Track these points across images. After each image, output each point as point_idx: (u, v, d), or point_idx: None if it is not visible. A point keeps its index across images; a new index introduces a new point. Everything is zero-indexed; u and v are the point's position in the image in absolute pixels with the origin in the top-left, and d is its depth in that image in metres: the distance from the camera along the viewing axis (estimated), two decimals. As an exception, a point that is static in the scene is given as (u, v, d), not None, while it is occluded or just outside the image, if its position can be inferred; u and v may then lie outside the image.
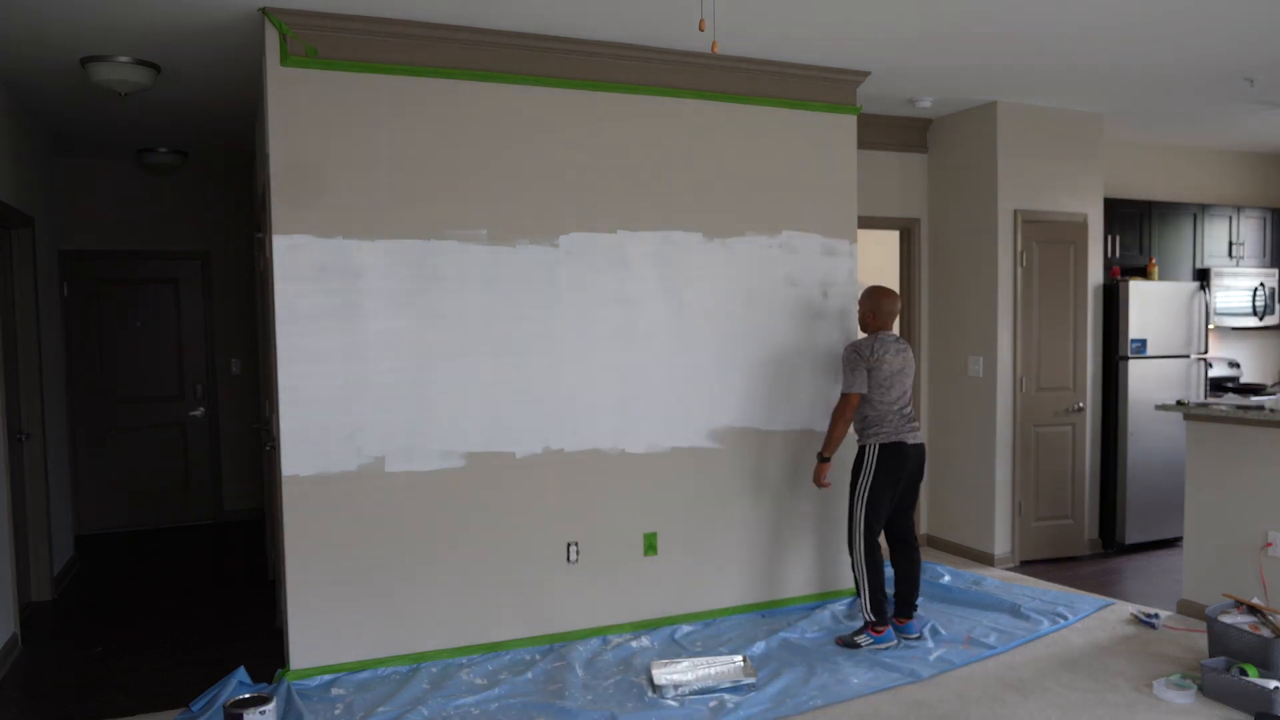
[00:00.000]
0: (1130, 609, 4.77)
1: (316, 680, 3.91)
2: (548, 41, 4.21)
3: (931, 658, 4.11)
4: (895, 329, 4.68)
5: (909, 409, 4.34)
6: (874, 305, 4.43)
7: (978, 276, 5.79)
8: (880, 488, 4.26)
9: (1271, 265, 7.17)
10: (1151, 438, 6.00)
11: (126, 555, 6.44)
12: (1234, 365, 7.21)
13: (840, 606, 4.84)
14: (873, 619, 4.25)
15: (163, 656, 4.37)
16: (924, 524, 6.27)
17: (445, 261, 4.14)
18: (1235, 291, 6.90)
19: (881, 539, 4.36)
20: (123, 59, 4.34)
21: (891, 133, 6.02)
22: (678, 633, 4.49)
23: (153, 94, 4.92)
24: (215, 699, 3.66)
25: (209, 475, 7.37)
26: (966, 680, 3.89)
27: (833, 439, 4.37)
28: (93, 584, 5.74)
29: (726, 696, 3.69)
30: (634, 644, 4.32)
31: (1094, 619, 4.63)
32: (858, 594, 4.32)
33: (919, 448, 4.35)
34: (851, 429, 4.46)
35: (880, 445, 4.26)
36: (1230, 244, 6.97)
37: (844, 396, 4.34)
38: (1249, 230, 7.07)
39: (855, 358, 4.32)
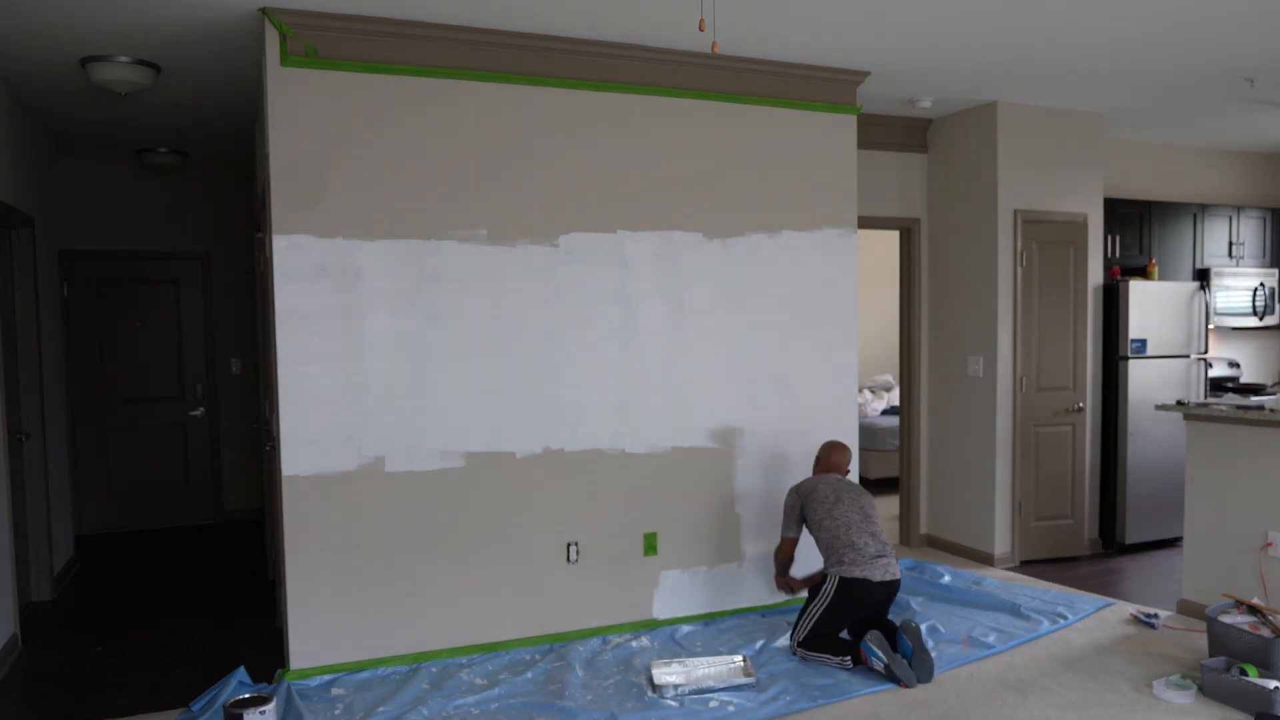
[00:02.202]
0: (1130, 609, 4.77)
1: (316, 680, 3.91)
2: (548, 41, 4.21)
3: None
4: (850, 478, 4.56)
5: (874, 541, 4.08)
6: (823, 454, 4.48)
7: (978, 276, 5.79)
8: (833, 618, 4.03)
9: (1271, 265, 7.17)
10: (1151, 438, 6.01)
11: (126, 555, 6.43)
12: (1234, 365, 7.21)
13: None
14: (848, 664, 3.96)
15: (163, 656, 4.37)
16: (924, 524, 6.27)
17: (445, 261, 4.14)
18: (1235, 291, 6.90)
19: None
20: (123, 59, 4.34)
21: (891, 133, 6.02)
22: (678, 633, 4.49)
23: (153, 94, 4.92)
24: (215, 699, 3.66)
25: (209, 475, 7.37)
26: (966, 680, 3.89)
27: (777, 571, 4.46)
28: (93, 584, 5.74)
29: (726, 697, 3.69)
30: (634, 644, 4.32)
31: (1094, 619, 4.63)
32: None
33: (888, 585, 4.03)
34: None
35: (840, 579, 4.01)
36: (1230, 244, 6.97)
37: (780, 541, 4.42)
38: (1249, 230, 7.07)
39: (791, 496, 4.36)
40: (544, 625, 4.35)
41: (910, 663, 3.82)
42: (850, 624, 4.08)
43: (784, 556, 4.39)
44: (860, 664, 3.91)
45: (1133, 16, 4.07)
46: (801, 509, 4.28)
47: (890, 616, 4.38)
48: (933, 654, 3.97)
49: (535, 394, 4.32)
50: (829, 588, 4.03)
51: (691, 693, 3.71)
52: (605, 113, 4.42)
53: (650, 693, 3.75)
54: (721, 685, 3.76)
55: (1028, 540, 5.79)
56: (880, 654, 3.81)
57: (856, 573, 3.99)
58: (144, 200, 7.05)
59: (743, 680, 3.79)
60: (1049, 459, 5.82)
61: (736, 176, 4.71)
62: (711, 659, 3.99)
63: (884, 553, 4.08)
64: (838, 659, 3.94)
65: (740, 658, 4.00)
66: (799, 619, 4.13)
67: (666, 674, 3.85)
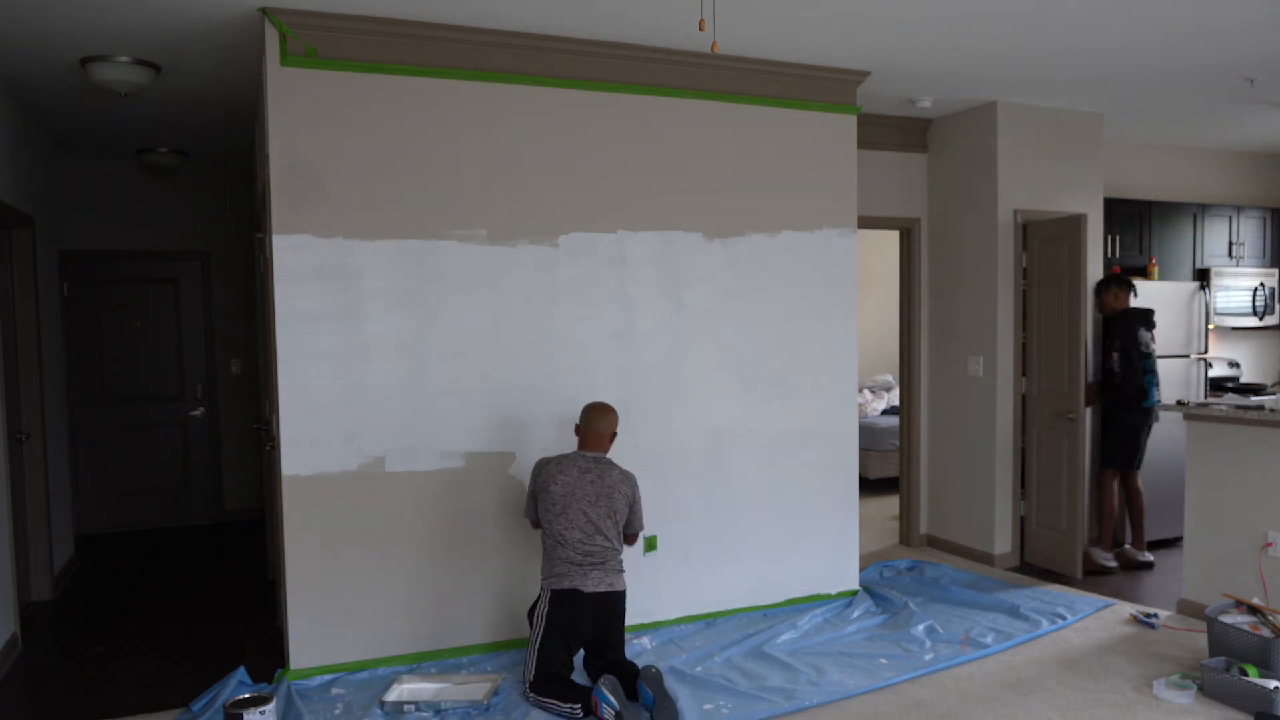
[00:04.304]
0: (1130, 609, 4.77)
1: (316, 680, 3.91)
2: (548, 41, 4.21)
3: (927, 658, 4.12)
4: (610, 451, 3.90)
5: (586, 541, 3.62)
6: (581, 419, 3.88)
7: (978, 276, 5.79)
8: (552, 641, 3.59)
9: (1271, 265, 7.17)
10: (1152, 438, 6.00)
11: (126, 555, 6.43)
12: (1234, 365, 7.21)
13: (838, 605, 4.85)
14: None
15: (163, 657, 4.36)
16: (924, 524, 6.27)
17: (445, 261, 4.14)
18: (1235, 291, 6.90)
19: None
20: (123, 59, 4.34)
21: (891, 133, 6.02)
22: (678, 633, 4.49)
23: (153, 94, 4.92)
24: (215, 699, 3.67)
25: (209, 475, 7.37)
26: (966, 680, 3.89)
27: None
28: (93, 584, 5.74)
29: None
30: (635, 643, 4.32)
31: (1093, 619, 4.64)
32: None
33: (604, 597, 3.61)
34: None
35: (552, 592, 3.60)
36: (1230, 244, 6.97)
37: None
38: (1249, 230, 7.07)
39: (532, 475, 3.81)
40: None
41: (651, 713, 3.43)
42: (578, 651, 3.69)
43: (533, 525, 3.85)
44: (591, 713, 3.44)
45: (1133, 17, 4.06)
46: (534, 496, 3.77)
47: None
48: (677, 702, 3.53)
49: (535, 394, 4.32)
50: (542, 605, 3.62)
51: (418, 712, 3.53)
52: (605, 112, 4.42)
53: (378, 709, 3.60)
54: (451, 705, 3.57)
55: (1028, 540, 5.78)
56: (613, 701, 3.37)
57: (565, 584, 3.57)
58: (144, 200, 7.06)
59: (479, 697, 3.61)
60: (1049, 459, 5.80)
61: (736, 176, 4.71)
62: (467, 677, 3.84)
63: (601, 557, 3.62)
64: (568, 706, 3.48)
65: (493, 678, 3.78)
66: (527, 658, 3.66)
67: (398, 692, 3.70)
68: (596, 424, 3.84)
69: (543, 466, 3.79)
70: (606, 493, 3.70)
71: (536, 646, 3.62)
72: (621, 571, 3.74)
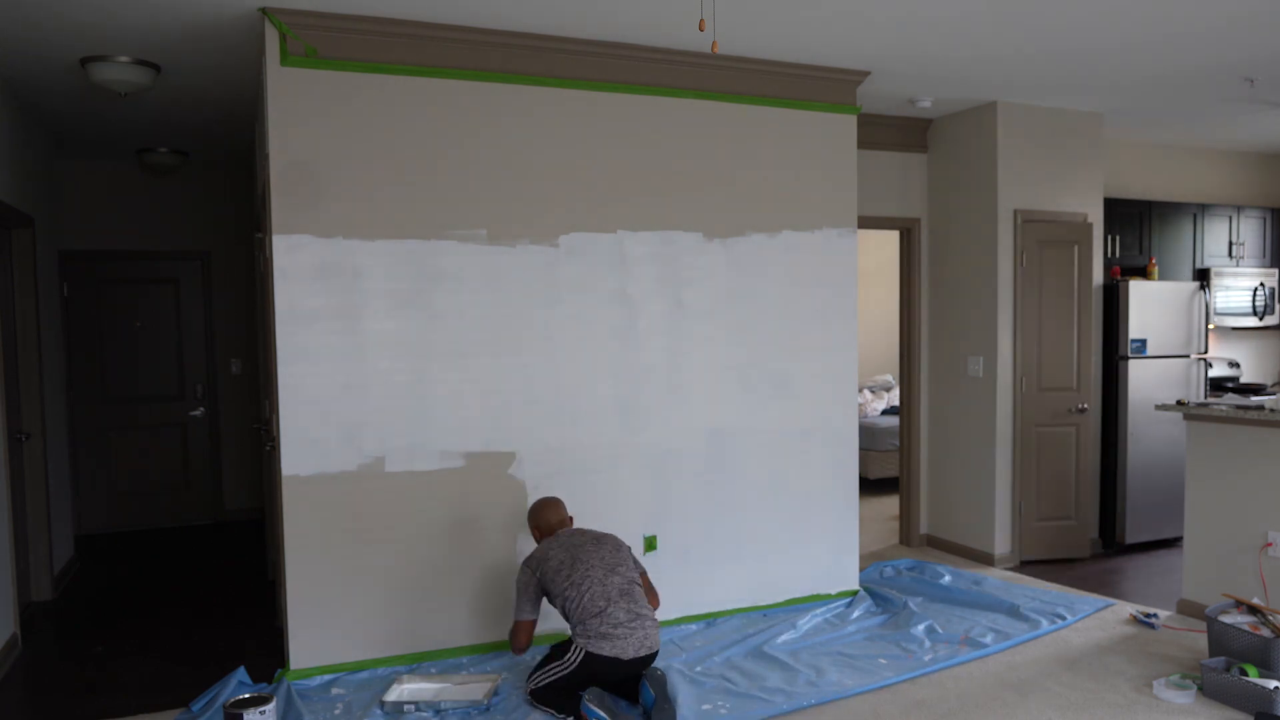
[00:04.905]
0: (1130, 609, 4.77)
1: (316, 680, 3.91)
2: (548, 41, 4.21)
3: (927, 658, 4.12)
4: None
5: (624, 601, 3.55)
6: (536, 520, 3.90)
7: (978, 276, 5.79)
8: (575, 684, 3.53)
9: (1271, 265, 7.17)
10: (1151, 438, 6.01)
11: (126, 555, 6.43)
12: (1234, 365, 7.22)
13: (838, 605, 4.85)
14: None
15: (163, 656, 4.37)
16: (924, 524, 6.28)
17: (445, 261, 4.14)
18: (1235, 291, 6.90)
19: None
20: (123, 59, 4.34)
21: (891, 133, 6.02)
22: (678, 633, 4.49)
23: (153, 94, 4.93)
24: (215, 699, 3.67)
25: (209, 475, 7.37)
26: (966, 680, 3.89)
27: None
28: (93, 584, 5.74)
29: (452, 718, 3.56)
30: (634, 644, 4.32)
31: (1093, 619, 4.63)
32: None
33: (644, 660, 3.54)
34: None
35: (586, 653, 3.48)
36: (1230, 244, 6.97)
37: (514, 624, 3.74)
38: (1249, 230, 7.07)
39: (524, 572, 3.69)
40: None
41: (650, 714, 3.42)
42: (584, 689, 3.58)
43: (520, 644, 3.72)
44: None
45: (1133, 16, 4.06)
46: (539, 585, 3.66)
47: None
48: (677, 705, 3.51)
49: (535, 394, 4.32)
50: (573, 659, 3.51)
51: (418, 712, 3.55)
52: (605, 113, 4.42)
53: (378, 709, 3.60)
54: (451, 705, 3.58)
55: (1028, 540, 5.78)
56: (602, 714, 3.35)
57: (606, 649, 3.47)
58: (144, 200, 7.06)
59: (479, 697, 3.63)
60: (1050, 459, 5.81)
61: (736, 176, 4.71)
62: (467, 677, 3.84)
63: (638, 616, 3.55)
64: (561, 717, 3.50)
65: (491, 679, 3.79)
66: (538, 667, 3.66)
67: (398, 692, 3.71)
68: (560, 512, 3.92)
69: (529, 559, 3.74)
70: (601, 538, 3.78)
71: (553, 679, 3.56)
72: (657, 624, 3.65)
